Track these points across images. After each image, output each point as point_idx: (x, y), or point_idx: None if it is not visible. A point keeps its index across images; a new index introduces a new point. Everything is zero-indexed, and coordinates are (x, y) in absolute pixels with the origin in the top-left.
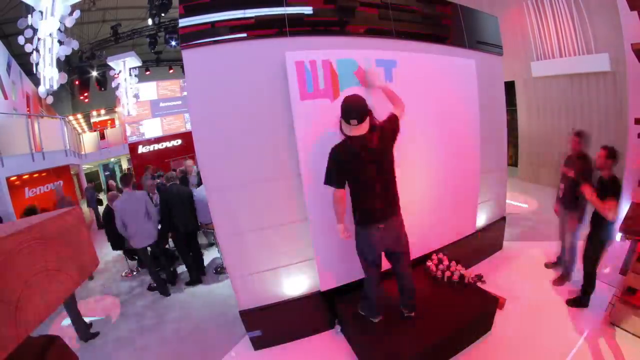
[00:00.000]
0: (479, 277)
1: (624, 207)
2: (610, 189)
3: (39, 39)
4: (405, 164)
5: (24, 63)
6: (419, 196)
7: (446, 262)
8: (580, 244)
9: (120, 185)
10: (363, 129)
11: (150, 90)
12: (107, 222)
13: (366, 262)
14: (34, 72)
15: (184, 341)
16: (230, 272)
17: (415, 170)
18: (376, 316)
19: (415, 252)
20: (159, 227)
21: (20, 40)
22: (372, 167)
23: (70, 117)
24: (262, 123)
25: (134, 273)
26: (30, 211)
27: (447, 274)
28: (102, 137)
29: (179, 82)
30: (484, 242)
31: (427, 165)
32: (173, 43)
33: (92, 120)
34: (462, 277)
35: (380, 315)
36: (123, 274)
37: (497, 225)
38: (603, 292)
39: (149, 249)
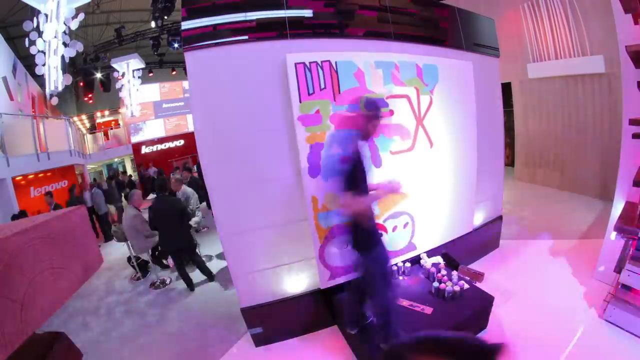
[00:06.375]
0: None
1: (619, 207)
2: None
3: (44, 41)
4: (403, 163)
5: (30, 65)
6: (417, 196)
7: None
8: None
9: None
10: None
11: (153, 91)
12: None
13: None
14: (39, 73)
15: (187, 338)
16: (232, 270)
17: (413, 170)
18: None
19: (413, 251)
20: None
21: (26, 42)
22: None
23: (75, 118)
24: (263, 123)
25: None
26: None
27: (443, 286)
28: (106, 137)
29: (181, 84)
30: (481, 241)
31: (425, 165)
32: (176, 45)
33: (96, 121)
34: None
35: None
36: (131, 276)
37: (494, 224)
38: (598, 290)
39: None
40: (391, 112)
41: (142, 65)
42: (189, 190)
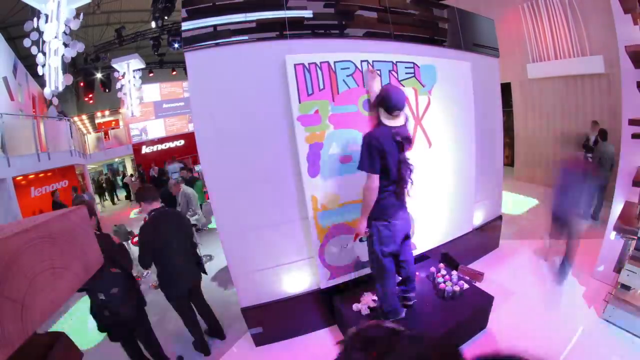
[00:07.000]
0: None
1: (619, 207)
2: None
3: (44, 42)
4: None
5: (30, 65)
6: (416, 196)
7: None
8: None
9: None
10: (402, 120)
11: (153, 91)
12: None
13: (385, 257)
14: (40, 73)
15: (187, 338)
16: (232, 270)
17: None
18: (401, 311)
19: (413, 251)
20: None
21: (26, 42)
22: (404, 157)
23: (75, 118)
24: (263, 123)
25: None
26: None
27: (442, 286)
28: (106, 137)
29: (181, 84)
30: (481, 241)
31: (424, 165)
32: (176, 45)
33: (97, 121)
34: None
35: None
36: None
37: (494, 224)
38: (597, 290)
39: None
40: None
41: (143, 66)
42: (190, 190)
